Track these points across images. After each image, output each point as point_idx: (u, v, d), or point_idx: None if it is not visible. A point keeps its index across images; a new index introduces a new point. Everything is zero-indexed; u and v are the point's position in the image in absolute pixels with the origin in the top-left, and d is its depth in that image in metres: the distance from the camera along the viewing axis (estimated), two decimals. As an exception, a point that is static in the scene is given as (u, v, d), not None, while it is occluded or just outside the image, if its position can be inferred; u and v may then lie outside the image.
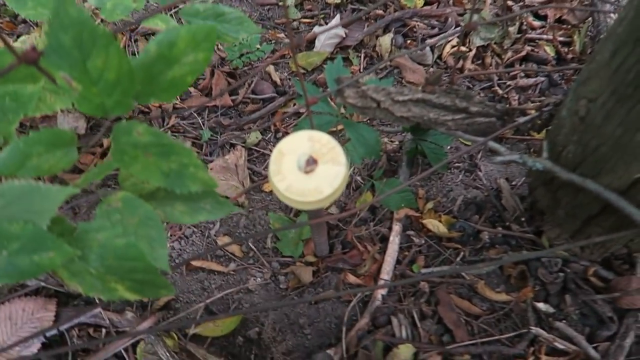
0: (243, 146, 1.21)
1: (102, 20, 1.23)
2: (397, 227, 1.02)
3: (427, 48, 1.38)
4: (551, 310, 0.91)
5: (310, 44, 1.43)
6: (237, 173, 1.15)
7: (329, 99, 0.95)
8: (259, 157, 1.22)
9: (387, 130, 1.23)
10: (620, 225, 0.78)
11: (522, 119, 0.95)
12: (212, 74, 1.35)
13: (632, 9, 0.59)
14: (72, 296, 0.94)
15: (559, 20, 1.45)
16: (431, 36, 1.43)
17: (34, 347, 0.84)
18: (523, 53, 1.36)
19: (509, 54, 1.37)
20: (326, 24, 1.48)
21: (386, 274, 0.96)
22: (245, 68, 1.37)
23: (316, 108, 0.92)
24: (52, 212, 0.43)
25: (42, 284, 0.91)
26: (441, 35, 1.42)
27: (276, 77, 1.36)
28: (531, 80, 1.31)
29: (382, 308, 0.93)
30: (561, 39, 1.40)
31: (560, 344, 0.87)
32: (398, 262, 0.99)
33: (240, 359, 0.91)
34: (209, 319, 0.52)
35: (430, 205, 1.07)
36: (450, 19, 1.45)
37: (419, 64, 1.37)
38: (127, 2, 0.77)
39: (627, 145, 0.65)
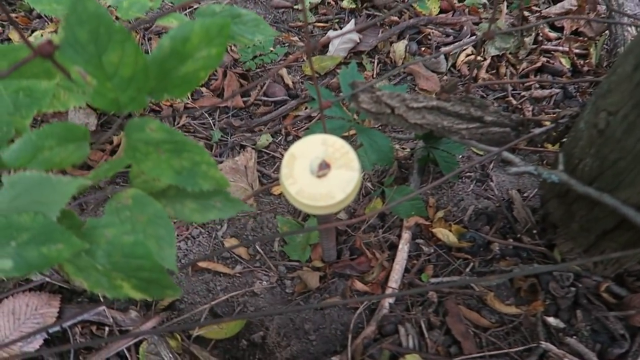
0: (253, 148, 1.21)
1: (117, 18, 1.23)
2: (406, 235, 1.01)
3: (442, 56, 1.37)
4: (562, 325, 0.89)
5: (324, 48, 1.43)
6: (247, 175, 1.15)
7: (342, 104, 0.94)
8: (268, 160, 1.21)
9: (398, 137, 1.22)
10: (636, 241, 0.76)
11: (537, 130, 0.93)
12: (225, 74, 1.35)
13: (657, 20, 0.58)
14: (77, 293, 0.94)
15: (576, 32, 1.44)
16: (446, 44, 1.42)
17: (36, 343, 0.83)
18: (538, 64, 1.35)
19: (524, 64, 1.35)
20: (340, 28, 1.48)
21: (394, 282, 0.95)
22: (258, 70, 1.37)
23: (329, 112, 0.91)
24: (62, 204, 0.43)
25: (47, 279, 0.91)
26: (456, 44, 1.41)
27: (288, 80, 1.35)
28: (546, 92, 1.30)
29: (389, 316, 0.91)
30: (577, 51, 1.39)
31: (570, 361, 0.85)
32: (406, 270, 0.98)
33: (244, 363, 0.90)
34: (214, 322, 0.51)
35: (440, 214, 1.06)
36: (465, 28, 1.44)
37: (433, 71, 1.36)
38: (144, 1, 0.76)
39: (647, 159, 0.64)
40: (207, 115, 1.29)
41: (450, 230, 1.02)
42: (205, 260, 1.02)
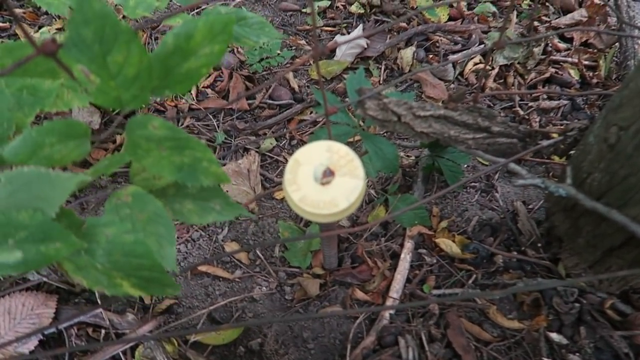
0: (257, 151, 1.20)
1: (123, 17, 1.23)
2: (409, 245, 1.00)
3: (449, 64, 1.36)
4: (564, 341, 0.88)
5: (331, 52, 1.42)
6: (249, 178, 1.14)
7: (347, 109, 0.93)
8: (272, 164, 1.20)
9: (403, 144, 1.21)
10: (644, 258, 0.75)
11: (545, 142, 0.92)
12: (231, 76, 1.34)
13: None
14: (74, 293, 0.92)
15: (585, 44, 1.43)
16: (454, 52, 1.41)
17: (31, 344, 0.82)
18: (547, 75, 1.33)
19: (532, 74, 1.34)
20: (348, 33, 1.47)
21: (395, 292, 0.94)
22: (264, 73, 1.36)
23: (334, 118, 0.90)
24: (62, 200, 0.42)
25: (45, 279, 0.90)
26: (464, 52, 1.39)
27: (294, 83, 1.34)
28: (554, 103, 1.29)
29: (389, 327, 0.90)
30: (586, 62, 1.37)
31: (573, 378, 0.83)
32: (408, 280, 0.97)
33: (240, 370, 0.89)
34: (211, 329, 0.50)
35: (444, 224, 1.04)
36: (474, 36, 1.43)
37: (440, 79, 1.35)
38: (150, 0, 0.76)
39: (659, 176, 0.62)
40: (211, 117, 1.28)
41: (453, 241, 1.00)
42: (204, 263, 1.01)
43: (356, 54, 1.39)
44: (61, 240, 0.42)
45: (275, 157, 1.20)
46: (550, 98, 1.31)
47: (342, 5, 1.55)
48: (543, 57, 1.38)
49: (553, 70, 1.35)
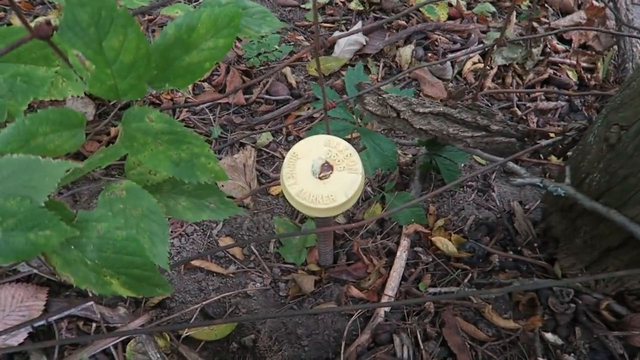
0: (253, 146, 1.18)
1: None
2: (405, 243, 0.99)
3: (448, 63, 1.35)
4: (560, 342, 0.88)
5: (329, 48, 1.41)
6: (245, 173, 1.12)
7: (346, 105, 0.92)
8: (268, 159, 1.19)
9: (401, 142, 1.20)
10: (641, 260, 0.75)
11: (543, 142, 0.92)
12: (228, 70, 1.33)
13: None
14: (65, 286, 0.91)
15: (584, 46, 1.43)
16: (452, 51, 1.41)
17: (20, 336, 0.81)
18: (545, 76, 1.33)
19: (531, 75, 1.34)
20: (347, 29, 1.46)
21: (391, 290, 0.93)
22: (262, 67, 1.35)
23: (333, 113, 0.89)
24: (52, 188, 0.40)
25: (35, 271, 0.88)
26: (463, 51, 1.39)
27: (292, 79, 1.33)
28: (551, 104, 1.28)
29: (384, 325, 0.89)
30: (584, 64, 1.37)
31: (567, 379, 0.83)
32: (404, 278, 0.96)
33: (233, 366, 0.88)
34: (204, 324, 0.48)
35: (440, 222, 1.04)
36: (473, 35, 1.43)
37: (439, 78, 1.34)
38: (149, -10, 0.74)
39: (659, 177, 0.62)
40: (207, 110, 1.27)
41: (449, 240, 1.00)
42: (198, 258, 0.99)
43: (355, 51, 1.39)
44: (51, 227, 0.40)
45: (272, 152, 1.19)
46: (548, 99, 1.31)
47: (341, 2, 1.54)
48: (541, 58, 1.37)
49: (551, 71, 1.35)
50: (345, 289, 0.94)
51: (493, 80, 1.34)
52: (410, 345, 0.86)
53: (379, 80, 1.35)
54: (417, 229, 1.01)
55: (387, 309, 0.92)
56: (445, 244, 0.99)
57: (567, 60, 1.38)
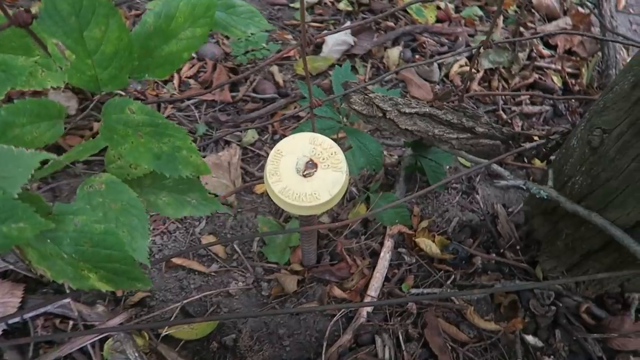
0: (238, 144, 1.17)
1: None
2: (389, 243, 0.99)
3: (435, 65, 1.36)
4: (540, 344, 0.88)
5: (317, 48, 1.40)
6: (229, 171, 1.11)
7: (332, 104, 0.92)
8: (253, 158, 1.18)
9: (387, 143, 1.20)
10: (621, 263, 0.75)
11: (527, 145, 0.92)
12: (214, 68, 1.32)
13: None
14: (42, 283, 0.89)
15: (569, 52, 1.44)
16: (440, 53, 1.41)
17: (-6, 333, 0.79)
18: (530, 80, 1.35)
19: (516, 79, 1.35)
20: (335, 29, 1.46)
21: (374, 290, 0.93)
22: (249, 65, 1.34)
23: (319, 112, 0.88)
24: (25, 179, 0.39)
25: (11, 267, 0.86)
26: (451, 53, 1.40)
27: (279, 78, 1.33)
28: (536, 108, 1.30)
29: (366, 326, 0.89)
30: (569, 70, 1.39)
31: (547, 381, 0.84)
32: (387, 279, 0.96)
33: (213, 366, 0.87)
34: (184, 322, 0.48)
35: (424, 224, 1.04)
36: (460, 39, 1.44)
37: (426, 80, 1.34)
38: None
39: (640, 181, 0.63)
40: (193, 107, 1.25)
41: (433, 241, 1.00)
42: (180, 256, 0.98)
43: (343, 51, 1.38)
44: (25, 220, 0.39)
45: (257, 151, 1.18)
46: (533, 103, 1.32)
47: (330, 2, 1.54)
48: (527, 62, 1.39)
49: (537, 76, 1.37)
50: (328, 289, 0.94)
51: (479, 83, 1.35)
52: (391, 346, 0.86)
53: (367, 80, 1.35)
54: (401, 229, 1.01)
55: (369, 309, 0.91)
56: (428, 245, 0.99)
57: (553, 65, 1.40)
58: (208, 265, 0.99)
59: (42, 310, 0.82)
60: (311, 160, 0.61)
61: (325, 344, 0.87)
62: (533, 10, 1.56)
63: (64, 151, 1.10)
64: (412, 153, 1.06)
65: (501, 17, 1.50)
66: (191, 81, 1.30)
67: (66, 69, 0.46)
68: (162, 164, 0.50)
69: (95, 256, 0.50)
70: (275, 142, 1.21)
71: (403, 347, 0.86)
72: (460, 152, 0.90)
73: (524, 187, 0.79)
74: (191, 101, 1.27)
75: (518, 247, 1.00)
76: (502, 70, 1.36)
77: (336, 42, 1.37)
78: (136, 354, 0.80)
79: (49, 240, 0.49)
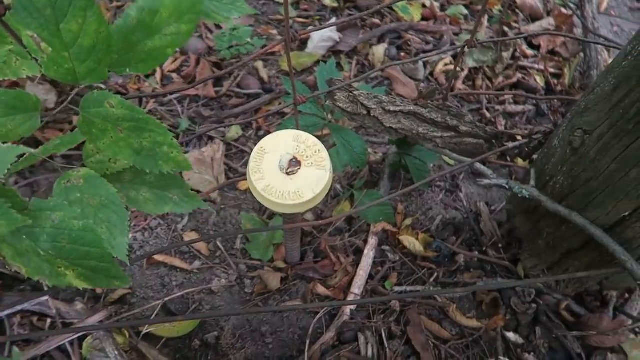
0: (222, 140, 1.16)
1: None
2: (372, 241, 0.99)
3: (420, 63, 1.36)
4: (520, 341, 0.89)
5: (302, 44, 1.40)
6: (213, 167, 1.10)
7: (317, 101, 0.91)
8: (237, 154, 1.17)
9: (372, 140, 1.20)
10: (600, 261, 0.77)
11: (510, 144, 0.93)
12: (198, 62, 1.30)
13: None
14: (19, 280, 0.87)
15: (552, 52, 1.46)
16: (425, 51, 1.42)
17: (-31, 331, 0.77)
18: (514, 79, 1.36)
19: (500, 79, 1.36)
20: (321, 25, 1.45)
21: (357, 288, 0.93)
22: (233, 60, 1.32)
23: (303, 108, 0.88)
24: (1, 174, 0.38)
25: (-13, 263, 0.84)
26: (436, 52, 1.40)
27: (264, 73, 1.31)
28: (519, 108, 1.31)
29: (349, 323, 0.89)
30: (552, 70, 1.40)
31: (526, 378, 0.85)
32: (370, 276, 0.96)
33: (195, 364, 0.86)
34: (166, 320, 0.47)
35: (408, 221, 1.04)
36: (445, 37, 1.44)
37: (411, 78, 1.35)
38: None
39: (619, 181, 0.63)
40: (176, 102, 1.24)
41: (417, 239, 1.00)
42: (161, 253, 0.97)
43: (328, 48, 1.38)
44: (0, 215, 0.38)
45: (241, 147, 1.17)
46: (516, 102, 1.33)
47: (316, -3, 1.53)
48: (511, 62, 1.40)
49: (520, 75, 1.38)
50: (311, 287, 0.93)
51: (464, 82, 1.36)
52: (374, 343, 0.86)
53: (352, 77, 1.34)
54: (385, 227, 1.01)
55: (353, 307, 0.91)
56: (412, 243, 0.99)
57: (536, 66, 1.41)
58: (190, 262, 0.98)
59: (18, 308, 0.80)
60: (295, 158, 0.60)
61: (308, 342, 0.87)
62: (517, 11, 1.57)
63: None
64: (396, 151, 1.06)
65: (486, 17, 1.51)
66: (174, 75, 1.28)
67: (42, 62, 0.45)
68: (142, 159, 0.49)
69: (72, 253, 0.49)
70: (259, 138, 1.20)
71: (386, 345, 0.87)
72: (444, 150, 0.91)
73: (507, 186, 0.79)
74: (174, 96, 1.25)
75: (500, 245, 1.01)
76: (486, 69, 1.37)
77: (321, 38, 1.37)
78: (116, 352, 0.78)
79: (24, 237, 0.48)
